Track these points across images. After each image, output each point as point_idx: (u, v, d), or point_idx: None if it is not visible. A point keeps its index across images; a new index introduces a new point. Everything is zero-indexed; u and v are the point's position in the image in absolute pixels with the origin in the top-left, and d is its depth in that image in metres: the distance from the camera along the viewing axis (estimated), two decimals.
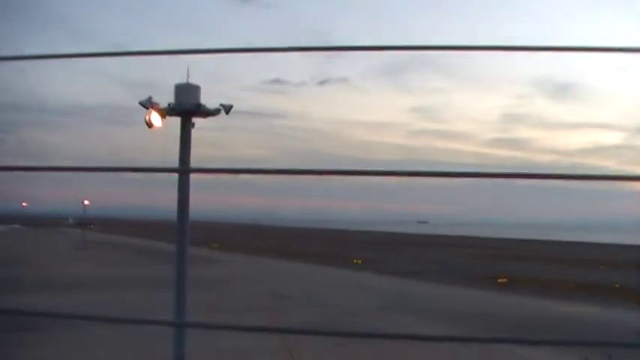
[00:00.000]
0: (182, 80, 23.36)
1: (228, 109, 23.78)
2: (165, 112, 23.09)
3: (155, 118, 22.78)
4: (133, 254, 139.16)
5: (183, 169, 18.87)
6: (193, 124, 23.51)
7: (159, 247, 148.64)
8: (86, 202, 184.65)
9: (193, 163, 24.45)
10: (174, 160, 23.34)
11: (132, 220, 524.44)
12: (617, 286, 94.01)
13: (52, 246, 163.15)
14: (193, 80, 23.58)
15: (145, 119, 22.70)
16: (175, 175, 23.04)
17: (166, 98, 23.43)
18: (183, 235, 23.25)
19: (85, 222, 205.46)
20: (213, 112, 23.54)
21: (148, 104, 22.76)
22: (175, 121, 23.46)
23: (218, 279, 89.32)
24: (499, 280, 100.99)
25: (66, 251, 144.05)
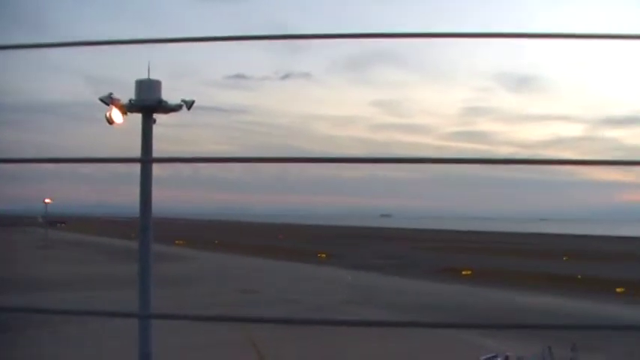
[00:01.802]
0: (143, 76, 23.09)
1: (190, 104, 23.55)
2: (126, 109, 22.79)
3: (116, 114, 22.49)
4: (97, 253, 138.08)
5: (145, 159, 18.71)
6: (155, 121, 23.19)
7: (123, 245, 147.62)
8: (47, 200, 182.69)
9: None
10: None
11: (101, 217, 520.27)
12: (579, 277, 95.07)
13: (13, 245, 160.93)
14: (154, 76, 23.32)
15: (106, 116, 22.44)
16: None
17: (127, 94, 23.14)
18: (147, 225, 23.07)
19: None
20: (175, 108, 23.26)
21: (108, 101, 22.46)
22: (137, 118, 23.17)
23: (184, 276, 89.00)
24: (463, 273, 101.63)
25: (28, 251, 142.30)
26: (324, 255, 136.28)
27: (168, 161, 4.18)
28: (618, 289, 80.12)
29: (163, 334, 26.63)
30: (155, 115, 23.19)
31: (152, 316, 23.10)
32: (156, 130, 23.32)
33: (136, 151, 23.17)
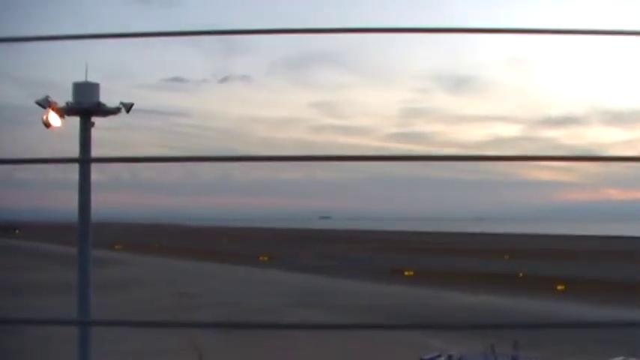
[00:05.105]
0: (80, 79, 22.68)
1: (128, 107, 23.14)
2: (63, 112, 22.31)
3: (53, 117, 21.95)
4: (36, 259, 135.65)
5: (83, 158, 18.33)
6: (93, 124, 22.77)
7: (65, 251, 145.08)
8: None
9: (94, 164, 23.85)
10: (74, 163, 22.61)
11: (37, 222, 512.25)
12: (520, 275, 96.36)
13: None
14: (91, 79, 22.91)
15: (43, 119, 21.93)
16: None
17: (65, 97, 22.66)
18: (86, 229, 22.62)
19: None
20: (114, 111, 22.84)
21: (45, 103, 21.95)
22: (74, 121, 22.73)
23: (123, 281, 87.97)
24: (406, 273, 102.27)
25: None
26: (266, 257, 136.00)
27: (107, 161, 4.02)
28: (559, 287, 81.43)
29: (104, 341, 26.23)
30: (93, 118, 22.76)
31: (92, 322, 22.62)
32: (94, 133, 22.89)
33: (75, 155, 22.73)
